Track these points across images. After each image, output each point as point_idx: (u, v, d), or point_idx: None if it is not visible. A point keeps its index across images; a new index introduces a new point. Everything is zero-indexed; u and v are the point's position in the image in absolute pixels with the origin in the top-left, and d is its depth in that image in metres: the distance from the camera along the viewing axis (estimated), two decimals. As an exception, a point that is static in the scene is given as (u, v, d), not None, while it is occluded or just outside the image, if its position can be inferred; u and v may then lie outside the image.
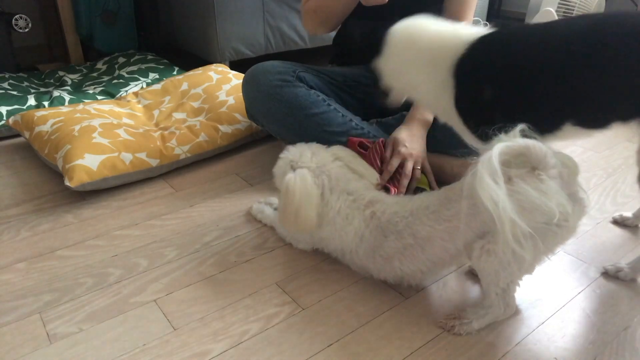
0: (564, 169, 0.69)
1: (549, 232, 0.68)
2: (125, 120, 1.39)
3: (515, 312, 0.84)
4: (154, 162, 1.24)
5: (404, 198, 0.85)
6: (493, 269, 0.73)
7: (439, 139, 1.18)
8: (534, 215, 0.65)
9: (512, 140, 0.66)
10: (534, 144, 0.66)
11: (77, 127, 1.24)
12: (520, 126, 0.68)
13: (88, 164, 1.14)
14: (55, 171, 1.24)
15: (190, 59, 2.00)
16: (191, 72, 1.63)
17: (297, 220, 0.85)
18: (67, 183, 1.11)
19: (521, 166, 0.67)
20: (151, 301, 0.86)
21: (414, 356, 0.75)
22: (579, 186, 0.71)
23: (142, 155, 1.22)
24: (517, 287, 0.78)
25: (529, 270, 0.77)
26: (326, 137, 1.18)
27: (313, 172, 0.87)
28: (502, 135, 0.68)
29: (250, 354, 0.75)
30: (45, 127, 1.29)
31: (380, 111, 1.30)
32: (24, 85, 1.78)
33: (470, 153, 1.18)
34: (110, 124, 1.30)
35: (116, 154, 1.19)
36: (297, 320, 0.82)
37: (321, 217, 0.87)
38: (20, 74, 1.88)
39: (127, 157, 1.20)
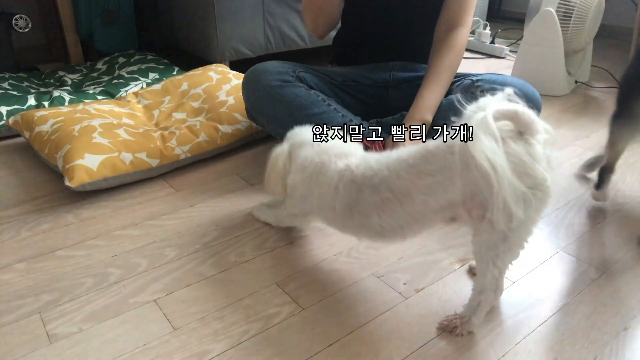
0: (547, 137, 0.69)
1: (533, 197, 0.67)
2: (125, 120, 1.39)
3: (516, 312, 0.84)
4: (154, 162, 1.24)
5: (381, 153, 0.84)
6: (492, 241, 0.71)
7: (439, 138, 1.18)
8: (523, 178, 0.65)
9: (504, 104, 0.66)
10: (524, 110, 0.66)
11: (77, 127, 1.24)
12: (508, 90, 0.68)
13: (88, 164, 1.14)
14: (55, 171, 1.24)
15: (190, 59, 2.00)
16: (191, 72, 1.63)
17: (269, 184, 0.97)
18: (67, 183, 1.11)
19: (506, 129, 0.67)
20: (151, 301, 0.86)
21: (414, 356, 0.75)
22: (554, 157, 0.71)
23: (142, 155, 1.22)
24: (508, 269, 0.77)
25: (521, 243, 0.74)
26: (326, 137, 1.18)
27: (290, 142, 0.94)
28: (490, 98, 0.67)
29: (250, 354, 0.75)
30: (45, 127, 1.29)
31: (380, 111, 1.30)
32: (24, 85, 1.78)
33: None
34: (110, 124, 1.30)
35: (116, 154, 1.19)
36: (297, 320, 0.82)
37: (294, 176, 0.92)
38: (20, 74, 1.88)
39: (127, 157, 1.20)
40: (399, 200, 0.77)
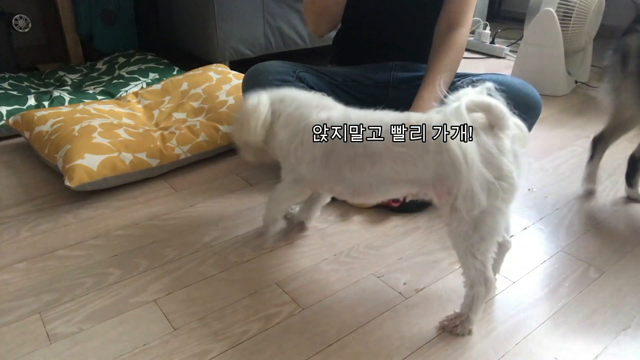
0: (517, 133, 0.71)
1: (499, 188, 0.69)
2: (125, 120, 1.39)
3: (516, 311, 0.84)
4: (153, 162, 1.24)
5: (366, 110, 0.87)
6: (463, 231, 0.73)
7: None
8: (489, 169, 0.67)
9: (479, 96, 0.69)
10: (497, 104, 0.68)
11: (77, 127, 1.24)
12: (488, 84, 0.70)
13: (88, 164, 1.14)
14: (55, 171, 1.24)
15: (190, 59, 2.00)
16: (191, 72, 1.63)
17: (242, 130, 0.91)
18: (67, 183, 1.11)
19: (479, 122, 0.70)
20: (151, 301, 0.86)
21: (414, 356, 0.75)
22: (522, 153, 0.73)
23: (142, 155, 1.22)
24: (491, 257, 0.76)
25: (494, 232, 0.74)
26: (326, 137, 1.18)
27: (270, 95, 0.92)
28: (468, 89, 0.70)
29: (250, 354, 0.75)
30: (45, 127, 1.29)
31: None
32: (24, 85, 1.78)
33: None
34: (110, 124, 1.30)
35: (116, 154, 1.19)
36: (297, 320, 0.82)
37: (275, 123, 0.91)
38: (20, 74, 1.88)
39: (127, 157, 1.20)
40: (370, 159, 0.79)
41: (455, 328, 0.79)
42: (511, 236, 1.05)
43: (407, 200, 0.90)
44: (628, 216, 1.13)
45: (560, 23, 1.85)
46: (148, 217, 1.10)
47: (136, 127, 1.34)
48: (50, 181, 1.24)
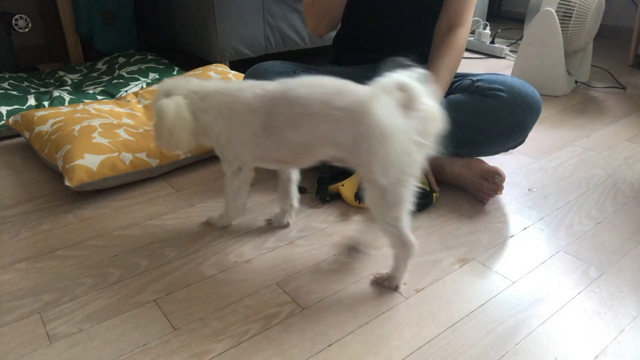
0: (427, 116, 0.75)
1: (406, 161, 0.76)
2: (125, 120, 1.39)
3: (516, 311, 0.84)
4: (153, 162, 1.24)
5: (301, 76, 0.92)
6: (375, 198, 0.80)
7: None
8: (398, 145, 0.74)
9: (403, 77, 0.74)
10: (417, 87, 0.73)
11: (77, 127, 1.24)
12: (420, 70, 0.75)
13: (88, 164, 1.14)
14: (55, 171, 1.24)
15: (190, 59, 2.00)
16: (191, 72, 1.63)
17: (171, 141, 0.93)
18: (67, 183, 1.11)
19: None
20: (151, 301, 0.86)
21: (414, 356, 0.75)
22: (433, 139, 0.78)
23: (142, 155, 1.22)
24: (405, 223, 0.82)
25: (401, 200, 0.80)
26: (326, 137, 1.18)
27: (186, 96, 0.92)
28: (398, 72, 0.75)
29: (250, 354, 0.75)
30: (45, 127, 1.29)
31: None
32: (24, 85, 1.78)
33: (470, 153, 1.19)
34: (110, 124, 1.30)
35: (116, 154, 1.19)
36: (297, 320, 0.82)
37: (203, 117, 0.93)
38: (20, 74, 1.88)
39: (127, 157, 1.20)
40: (309, 119, 0.84)
41: (383, 282, 0.89)
42: (511, 236, 1.05)
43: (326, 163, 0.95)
44: (628, 216, 1.13)
45: (560, 23, 1.85)
46: (148, 217, 1.10)
47: (136, 127, 1.34)
48: (50, 181, 1.25)
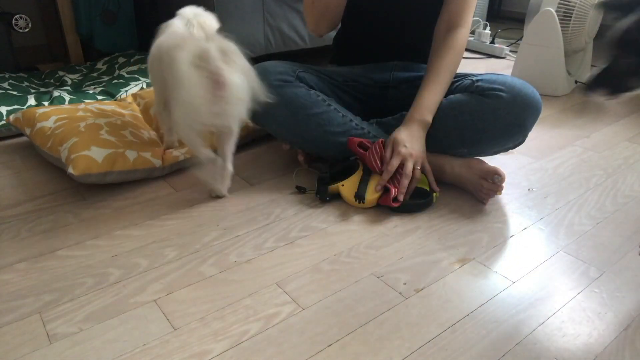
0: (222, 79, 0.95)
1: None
2: (128, 119, 1.40)
3: (516, 311, 0.84)
4: (157, 163, 1.24)
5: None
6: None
7: (439, 138, 1.18)
8: (191, 91, 0.92)
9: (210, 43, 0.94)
10: (213, 53, 0.95)
11: (82, 124, 1.25)
12: (233, 44, 0.95)
13: (94, 155, 1.15)
14: (56, 170, 1.24)
15: (190, 59, 2.00)
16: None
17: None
18: (70, 171, 1.11)
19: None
20: (151, 301, 0.86)
21: (414, 356, 0.75)
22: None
23: (147, 155, 1.23)
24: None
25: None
26: (326, 137, 1.18)
27: None
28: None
29: (250, 354, 0.75)
30: (48, 124, 1.29)
31: (380, 111, 1.30)
32: (24, 85, 1.78)
33: (470, 153, 1.19)
34: (115, 123, 1.31)
35: (122, 150, 1.19)
36: (297, 320, 0.82)
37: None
38: (20, 74, 1.88)
39: (132, 154, 1.20)
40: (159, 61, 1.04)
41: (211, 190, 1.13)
42: (511, 236, 1.05)
43: None
44: (628, 216, 1.13)
45: (560, 23, 1.85)
46: (148, 217, 1.10)
47: (138, 129, 1.34)
48: (51, 181, 1.25)
